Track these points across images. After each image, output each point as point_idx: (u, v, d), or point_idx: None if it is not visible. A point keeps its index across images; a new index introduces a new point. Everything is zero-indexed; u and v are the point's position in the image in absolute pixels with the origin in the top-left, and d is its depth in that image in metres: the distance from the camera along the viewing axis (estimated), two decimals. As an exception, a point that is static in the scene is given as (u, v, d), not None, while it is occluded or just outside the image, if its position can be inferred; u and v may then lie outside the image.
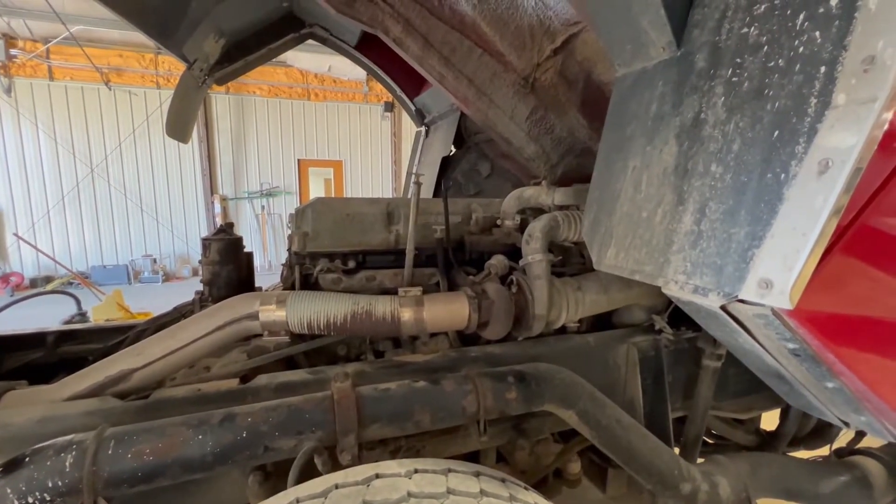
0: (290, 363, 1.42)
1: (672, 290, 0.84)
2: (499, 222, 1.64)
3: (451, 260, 1.47)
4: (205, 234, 10.46)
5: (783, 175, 0.68)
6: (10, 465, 0.82)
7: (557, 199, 1.46)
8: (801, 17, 0.71)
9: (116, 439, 0.88)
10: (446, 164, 2.60)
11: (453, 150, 2.79)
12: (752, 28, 0.79)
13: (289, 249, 1.55)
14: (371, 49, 2.68)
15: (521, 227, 1.61)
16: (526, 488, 0.83)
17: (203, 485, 1.06)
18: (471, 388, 1.14)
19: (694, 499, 1.26)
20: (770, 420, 1.90)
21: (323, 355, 1.43)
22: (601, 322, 1.71)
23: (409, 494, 0.64)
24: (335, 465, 1.00)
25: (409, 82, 2.83)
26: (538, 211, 1.69)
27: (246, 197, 10.81)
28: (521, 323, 1.37)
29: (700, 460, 1.57)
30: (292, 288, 1.45)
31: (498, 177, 2.79)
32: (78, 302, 4.16)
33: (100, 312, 4.40)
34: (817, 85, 0.67)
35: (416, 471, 0.72)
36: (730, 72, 0.82)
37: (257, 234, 10.93)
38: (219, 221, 10.45)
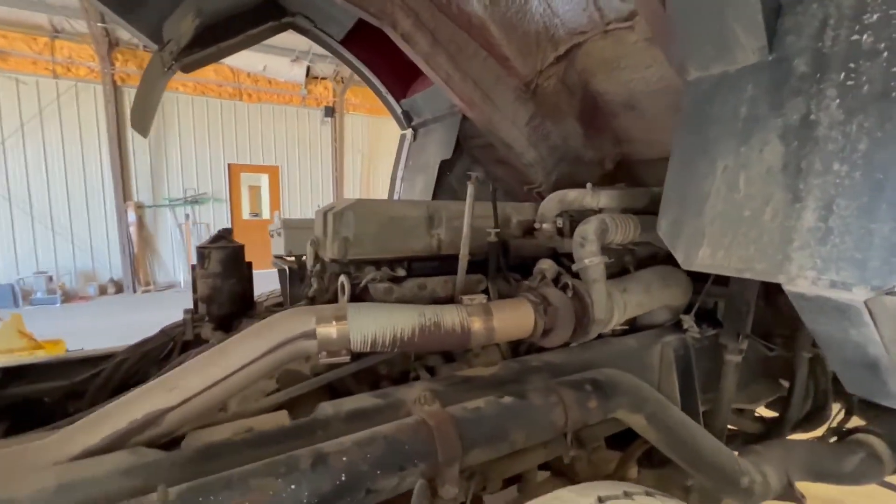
0: (330, 389, 1.24)
1: (800, 287, 0.85)
2: (537, 225, 1.60)
3: (503, 265, 1.39)
4: (115, 245, 9.20)
5: (929, 172, 0.71)
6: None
7: (603, 201, 1.46)
8: (926, 25, 0.76)
9: (186, 502, 0.68)
10: (442, 168, 2.51)
11: (443, 154, 2.71)
12: (865, 36, 0.83)
13: (316, 257, 1.37)
14: (357, 46, 2.53)
15: (559, 231, 1.58)
16: None
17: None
18: (556, 399, 1.08)
19: (751, 491, 1.30)
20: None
21: (369, 376, 1.27)
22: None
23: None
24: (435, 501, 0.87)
25: (396, 83, 2.71)
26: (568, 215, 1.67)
27: (167, 204, 9.67)
28: (579, 328, 1.33)
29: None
30: (331, 301, 1.28)
31: (490, 183, 2.76)
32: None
33: (-5, 342, 3.61)
34: (958, 88, 0.71)
35: (600, 499, 0.64)
36: (842, 76, 0.85)
37: (180, 246, 9.83)
38: (133, 231, 9.25)
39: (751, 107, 1.00)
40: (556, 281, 1.40)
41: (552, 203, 1.57)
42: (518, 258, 1.53)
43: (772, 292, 1.85)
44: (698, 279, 1.70)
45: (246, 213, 11.14)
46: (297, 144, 11.17)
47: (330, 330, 1.01)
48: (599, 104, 2.29)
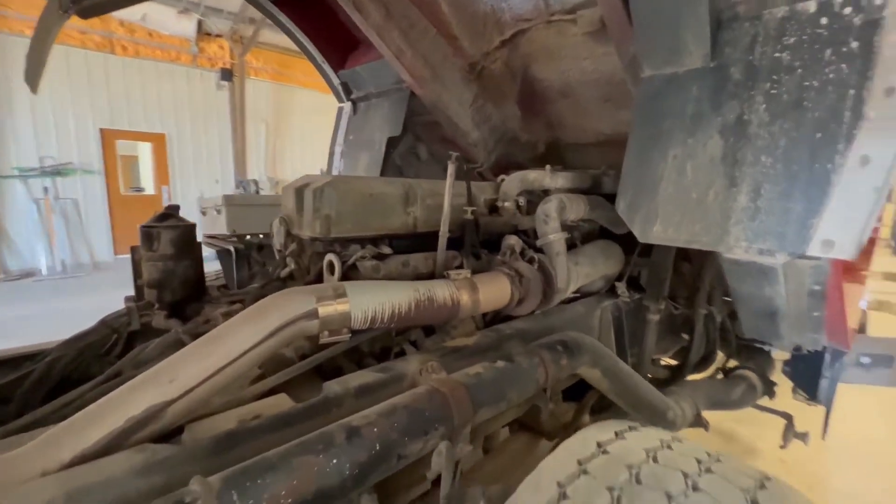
0: (315, 368, 1.22)
1: (736, 254, 1.06)
2: (500, 203, 1.70)
3: (475, 242, 1.47)
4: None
5: (829, 165, 0.95)
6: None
7: (560, 182, 1.60)
8: (828, 52, 0.98)
9: (236, 490, 0.65)
10: (387, 145, 2.48)
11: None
12: (785, 54, 1.05)
13: (288, 235, 1.31)
14: (292, 10, 2.33)
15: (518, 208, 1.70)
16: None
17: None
18: (538, 361, 1.21)
19: (675, 423, 1.60)
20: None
21: (354, 354, 1.27)
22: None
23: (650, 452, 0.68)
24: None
25: (334, 53, 2.56)
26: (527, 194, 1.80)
27: (17, 175, 7.92)
28: (545, 298, 1.48)
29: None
30: (314, 281, 1.24)
31: (433, 162, 2.80)
32: None
33: None
34: (849, 102, 0.94)
35: (616, 433, 0.77)
36: (768, 85, 1.07)
37: (38, 226, 8.17)
38: (-32, 209, 7.46)
39: (696, 105, 1.19)
40: (521, 255, 1.53)
41: (514, 183, 1.68)
42: (485, 234, 1.62)
43: (676, 261, 2.22)
44: (626, 251, 1.98)
45: (125, 188, 9.64)
46: (189, 109, 9.86)
47: (332, 308, 1.00)
48: (537, 90, 2.45)
